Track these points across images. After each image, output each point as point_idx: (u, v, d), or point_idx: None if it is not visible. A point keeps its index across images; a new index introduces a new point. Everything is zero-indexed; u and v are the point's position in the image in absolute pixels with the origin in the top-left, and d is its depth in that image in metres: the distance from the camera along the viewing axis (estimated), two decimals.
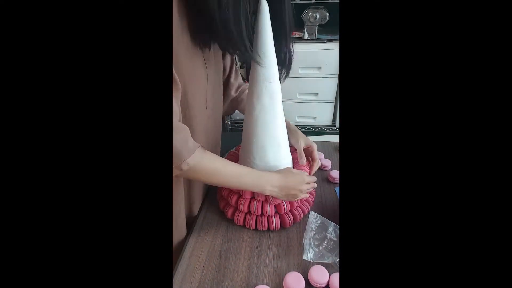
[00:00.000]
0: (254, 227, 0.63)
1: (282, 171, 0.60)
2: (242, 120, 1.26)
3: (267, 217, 0.62)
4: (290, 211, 0.63)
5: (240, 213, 0.63)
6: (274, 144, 0.61)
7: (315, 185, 0.65)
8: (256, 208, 0.61)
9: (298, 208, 0.64)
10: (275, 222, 0.62)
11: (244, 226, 0.64)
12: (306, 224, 0.61)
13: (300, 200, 0.63)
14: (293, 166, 0.67)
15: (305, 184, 0.60)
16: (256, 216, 0.62)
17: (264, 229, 0.63)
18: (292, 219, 0.63)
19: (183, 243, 0.63)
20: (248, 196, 0.61)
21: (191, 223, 0.67)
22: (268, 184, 0.57)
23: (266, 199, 0.61)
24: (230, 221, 0.66)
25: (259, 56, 0.54)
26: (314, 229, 0.59)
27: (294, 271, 0.55)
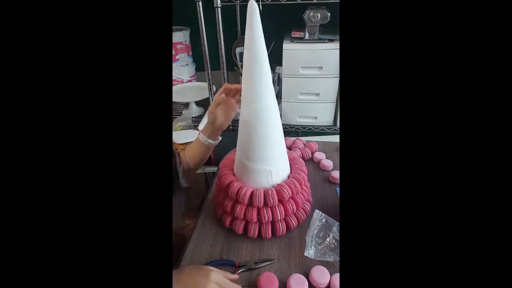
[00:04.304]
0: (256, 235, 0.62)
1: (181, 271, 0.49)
2: None
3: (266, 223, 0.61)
4: (284, 219, 0.61)
5: (254, 225, 0.62)
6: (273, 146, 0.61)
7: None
8: (269, 215, 0.60)
9: (299, 212, 0.63)
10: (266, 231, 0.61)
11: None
12: (308, 223, 0.61)
13: (301, 203, 0.62)
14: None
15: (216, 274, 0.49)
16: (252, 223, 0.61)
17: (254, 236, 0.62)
18: (284, 227, 0.61)
19: (184, 241, 0.63)
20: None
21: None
22: None
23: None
24: None
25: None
26: (318, 227, 0.59)
27: (295, 271, 0.55)
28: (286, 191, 0.59)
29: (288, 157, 0.67)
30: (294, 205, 0.61)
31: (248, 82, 0.56)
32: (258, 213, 0.60)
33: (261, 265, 0.56)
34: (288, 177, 0.64)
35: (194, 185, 1.27)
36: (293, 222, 0.62)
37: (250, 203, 0.60)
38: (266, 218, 0.59)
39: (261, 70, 0.55)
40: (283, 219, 0.61)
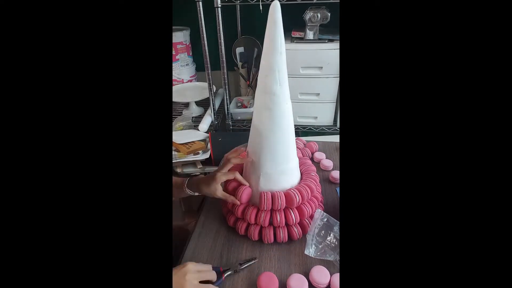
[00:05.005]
0: (257, 238, 0.62)
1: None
2: (243, 120, 1.25)
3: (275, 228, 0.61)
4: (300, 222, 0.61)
5: (255, 226, 0.61)
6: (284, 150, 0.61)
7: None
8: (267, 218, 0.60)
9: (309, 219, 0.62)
10: (283, 234, 0.60)
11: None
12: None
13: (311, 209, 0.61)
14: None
15: (191, 274, 0.49)
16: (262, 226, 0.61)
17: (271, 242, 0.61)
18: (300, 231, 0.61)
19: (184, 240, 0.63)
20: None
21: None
22: None
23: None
24: None
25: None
26: (319, 226, 0.59)
27: (295, 271, 0.55)
28: (296, 196, 0.58)
29: (300, 163, 0.67)
30: (310, 208, 0.60)
31: (267, 83, 0.55)
32: (256, 216, 0.59)
33: (245, 266, 0.56)
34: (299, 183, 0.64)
35: None
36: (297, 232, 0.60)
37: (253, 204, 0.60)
38: (279, 221, 0.58)
39: (283, 74, 0.55)
40: (294, 225, 0.60)
